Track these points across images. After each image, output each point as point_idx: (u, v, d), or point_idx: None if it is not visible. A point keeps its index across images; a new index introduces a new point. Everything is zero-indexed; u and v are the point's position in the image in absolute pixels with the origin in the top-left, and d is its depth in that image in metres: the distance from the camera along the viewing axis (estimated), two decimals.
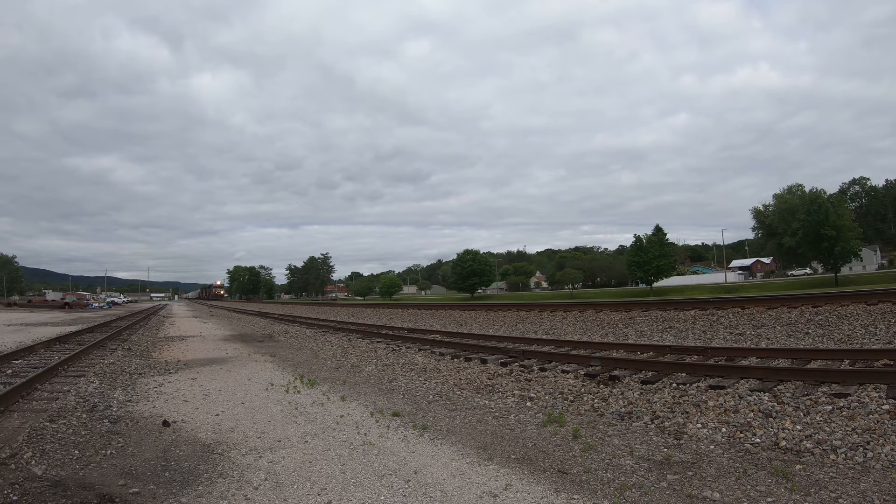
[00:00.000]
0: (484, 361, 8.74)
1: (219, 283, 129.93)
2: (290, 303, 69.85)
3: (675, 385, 6.15)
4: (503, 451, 4.38)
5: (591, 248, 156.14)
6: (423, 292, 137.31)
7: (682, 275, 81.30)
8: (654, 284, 61.23)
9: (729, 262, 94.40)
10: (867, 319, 9.49)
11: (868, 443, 4.01)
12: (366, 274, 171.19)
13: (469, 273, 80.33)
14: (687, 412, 5.17)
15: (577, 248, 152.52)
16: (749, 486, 3.48)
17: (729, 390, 5.66)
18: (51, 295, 75.93)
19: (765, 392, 5.45)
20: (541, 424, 5.17)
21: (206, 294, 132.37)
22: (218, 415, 5.83)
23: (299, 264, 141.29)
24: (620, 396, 6.00)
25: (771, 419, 4.71)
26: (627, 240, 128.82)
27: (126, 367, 9.53)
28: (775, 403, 5.06)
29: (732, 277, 76.53)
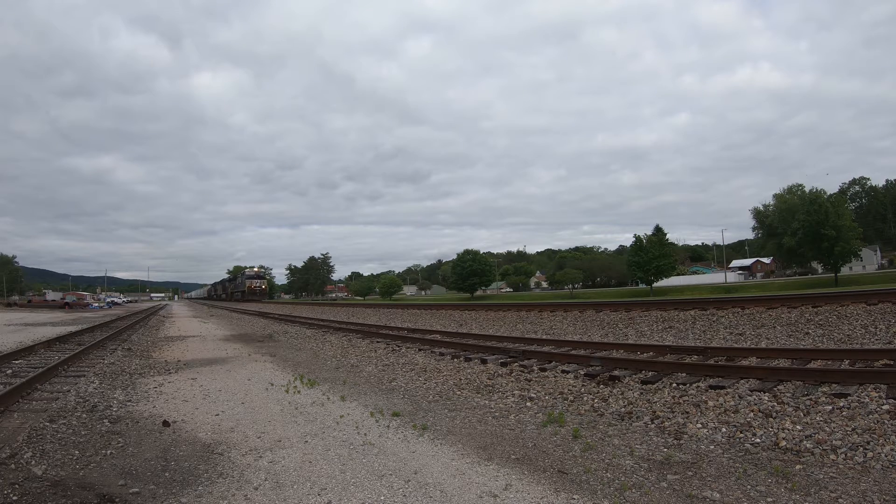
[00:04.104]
0: (484, 361, 8.74)
1: (257, 268, 77.88)
2: (290, 303, 69.64)
3: (675, 385, 6.14)
4: (503, 451, 4.38)
5: (591, 248, 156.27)
6: (423, 292, 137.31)
7: (682, 275, 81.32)
8: (654, 285, 61.27)
9: (729, 262, 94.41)
10: (867, 319, 9.48)
11: (868, 443, 4.01)
12: (366, 274, 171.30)
13: (469, 273, 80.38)
14: (687, 412, 5.17)
15: (577, 248, 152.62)
16: (749, 486, 3.48)
17: (729, 390, 5.66)
18: (51, 295, 75.89)
19: (765, 392, 5.45)
20: (541, 424, 5.17)
21: (227, 291, 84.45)
22: (218, 415, 5.83)
23: (299, 264, 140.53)
24: (620, 396, 6.00)
25: (771, 419, 4.71)
26: (627, 240, 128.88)
27: (126, 367, 9.53)
28: (775, 403, 5.06)
29: (732, 277, 76.55)
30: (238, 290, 73.62)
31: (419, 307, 26.71)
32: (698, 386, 6.03)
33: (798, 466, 3.79)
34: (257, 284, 69.99)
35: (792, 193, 62.80)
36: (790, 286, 46.52)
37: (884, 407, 4.59)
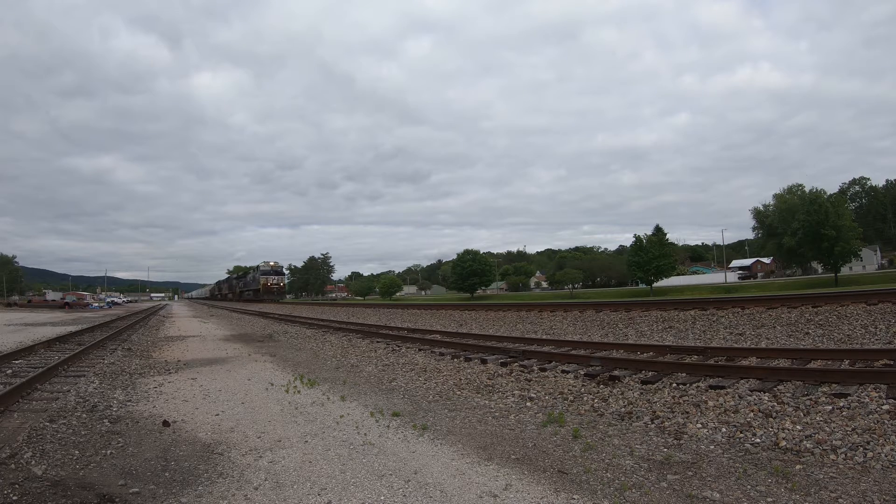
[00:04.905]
0: (484, 361, 8.73)
1: (273, 263, 61.44)
2: (290, 303, 69.36)
3: (675, 385, 6.14)
4: (503, 451, 4.38)
5: (591, 248, 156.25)
6: (423, 292, 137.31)
7: (682, 275, 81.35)
8: (654, 285, 61.28)
9: (729, 262, 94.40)
10: (867, 319, 9.47)
11: (868, 443, 4.01)
12: (366, 274, 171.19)
13: (469, 273, 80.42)
14: (687, 412, 5.17)
15: (577, 248, 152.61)
16: (749, 486, 3.48)
17: (729, 390, 5.66)
18: (51, 295, 75.88)
19: (765, 392, 5.45)
20: (541, 424, 5.17)
21: (234, 290, 74.02)
22: (218, 415, 5.83)
23: (299, 264, 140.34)
24: (620, 396, 6.00)
25: (771, 419, 4.71)
26: (627, 240, 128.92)
27: (126, 367, 9.53)
28: (775, 403, 5.06)
29: (732, 277, 76.57)
30: (249, 289, 63.14)
31: (419, 307, 26.71)
32: (698, 386, 6.03)
33: (798, 466, 3.79)
34: (274, 281, 58.57)
35: (792, 193, 62.87)
36: (790, 286, 46.52)
37: (884, 407, 4.59)
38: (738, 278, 75.65)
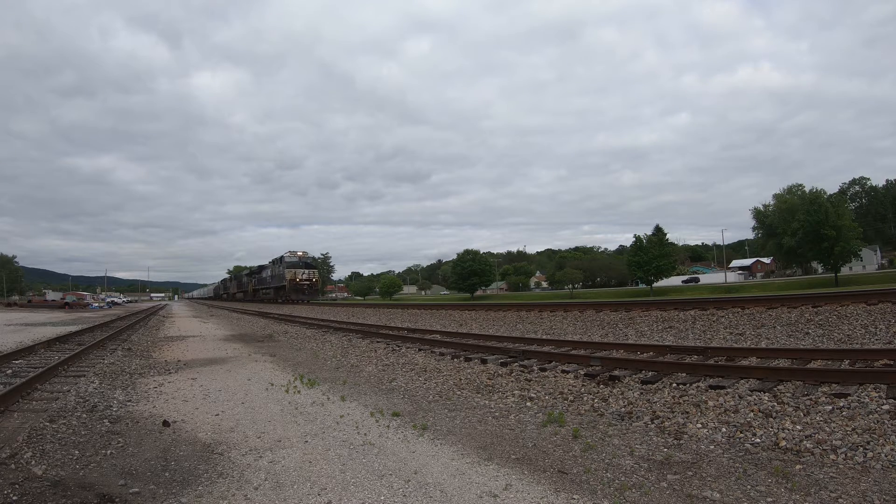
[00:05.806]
0: (484, 361, 8.73)
1: (301, 252, 47.46)
2: (291, 303, 69.09)
3: (675, 385, 6.14)
4: (503, 451, 4.38)
5: (592, 248, 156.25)
6: (423, 292, 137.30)
7: (682, 275, 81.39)
8: (654, 285, 61.32)
9: (729, 262, 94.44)
10: (867, 319, 9.47)
11: (868, 443, 4.01)
12: (366, 274, 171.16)
13: (469, 273, 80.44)
14: (687, 412, 5.17)
15: (577, 248, 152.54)
16: (749, 486, 3.48)
17: (729, 390, 5.66)
18: (51, 295, 75.92)
19: (765, 392, 5.45)
20: (541, 424, 5.17)
21: (244, 288, 64.50)
22: (218, 415, 5.83)
23: None
24: (620, 396, 6.00)
25: (771, 419, 4.71)
26: (628, 240, 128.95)
27: (126, 367, 9.53)
28: (775, 403, 5.06)
29: (732, 277, 76.58)
30: (269, 286, 51.16)
31: (419, 307, 26.69)
32: (698, 386, 6.03)
33: (798, 466, 3.79)
34: (305, 277, 44.78)
35: (792, 193, 63.05)
36: (790, 286, 46.52)
37: (884, 407, 4.59)
38: (682, 282, 73.95)
